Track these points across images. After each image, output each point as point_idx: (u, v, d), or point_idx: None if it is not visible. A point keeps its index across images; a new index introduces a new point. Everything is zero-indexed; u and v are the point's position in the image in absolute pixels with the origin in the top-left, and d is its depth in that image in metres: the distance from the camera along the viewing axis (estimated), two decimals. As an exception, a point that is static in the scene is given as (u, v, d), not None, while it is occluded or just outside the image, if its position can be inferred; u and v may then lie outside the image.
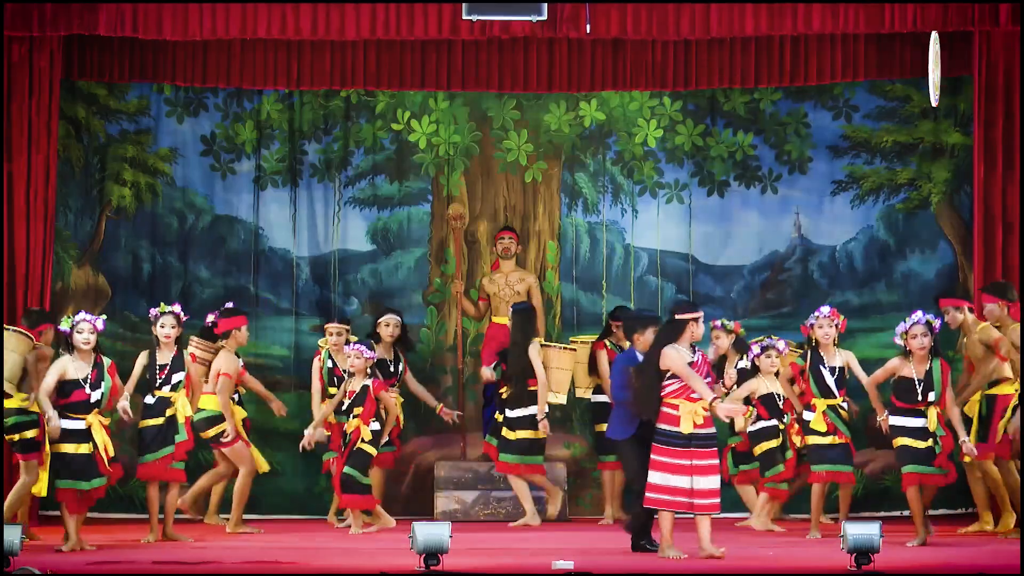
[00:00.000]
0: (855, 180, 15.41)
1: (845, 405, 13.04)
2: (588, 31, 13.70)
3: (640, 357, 11.73)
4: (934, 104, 13.87)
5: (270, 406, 14.12)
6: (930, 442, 12.29)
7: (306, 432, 13.66)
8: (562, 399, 14.22)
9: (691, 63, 15.01)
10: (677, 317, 11.45)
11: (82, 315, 12.41)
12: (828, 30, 13.83)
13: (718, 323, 14.02)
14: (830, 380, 12.94)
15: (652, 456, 11.35)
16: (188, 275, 15.36)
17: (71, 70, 14.61)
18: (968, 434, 12.51)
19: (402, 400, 14.33)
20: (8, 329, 12.50)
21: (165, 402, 12.73)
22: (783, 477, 13.47)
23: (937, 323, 12.40)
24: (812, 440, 12.98)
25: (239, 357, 13.75)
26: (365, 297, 15.45)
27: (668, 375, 11.34)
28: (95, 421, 12.19)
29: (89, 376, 12.23)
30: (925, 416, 12.31)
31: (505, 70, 15.10)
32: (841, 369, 12.98)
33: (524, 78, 15.12)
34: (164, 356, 12.80)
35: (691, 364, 11.31)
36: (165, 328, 12.79)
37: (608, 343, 14.33)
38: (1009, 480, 13.02)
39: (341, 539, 13.10)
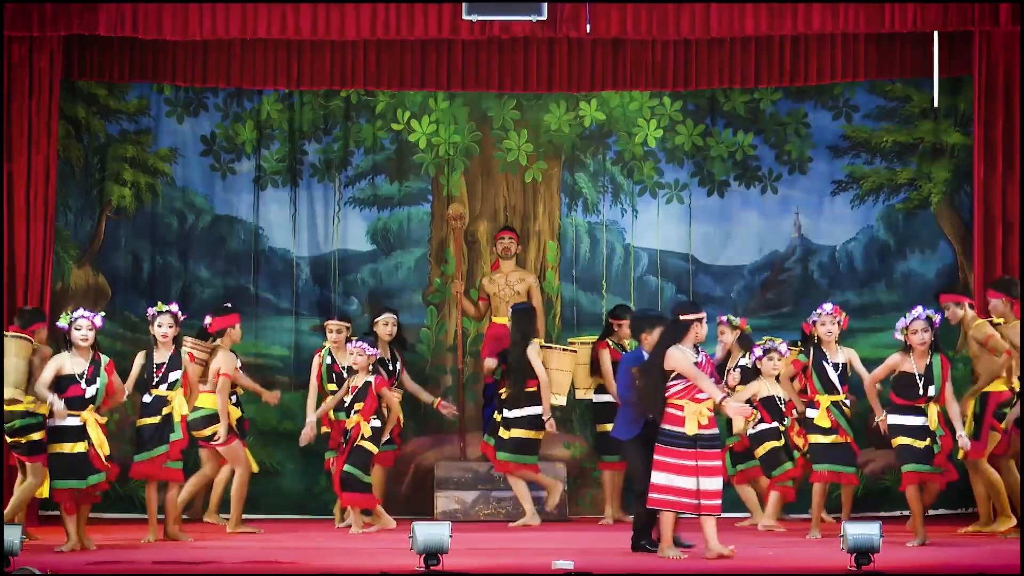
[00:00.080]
0: (855, 180, 15.41)
1: (848, 402, 13.05)
2: (588, 31, 13.69)
3: (647, 357, 11.72)
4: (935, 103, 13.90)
5: (264, 399, 14.12)
6: (928, 441, 12.30)
7: (305, 431, 13.70)
8: (562, 400, 14.22)
9: (691, 63, 15.01)
10: (681, 318, 11.45)
11: (80, 312, 12.41)
12: (828, 30, 13.83)
13: (724, 319, 14.02)
14: (834, 376, 12.96)
15: (656, 456, 11.33)
16: (188, 275, 15.36)
17: (71, 70, 14.61)
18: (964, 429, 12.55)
19: (401, 394, 14.30)
20: (8, 335, 12.48)
21: (162, 401, 12.73)
22: (791, 475, 13.45)
23: (937, 318, 12.42)
24: (815, 439, 12.98)
25: (236, 356, 13.78)
26: (365, 297, 15.45)
27: (672, 375, 11.34)
28: (90, 417, 12.19)
29: (85, 372, 12.24)
30: (925, 414, 12.32)
31: (505, 70, 15.11)
32: (844, 365, 13.01)
33: (524, 78, 15.13)
34: (161, 355, 12.80)
35: (695, 365, 11.31)
36: (162, 327, 12.79)
37: (611, 343, 14.33)
38: (1009, 478, 13.03)
39: (341, 539, 13.10)
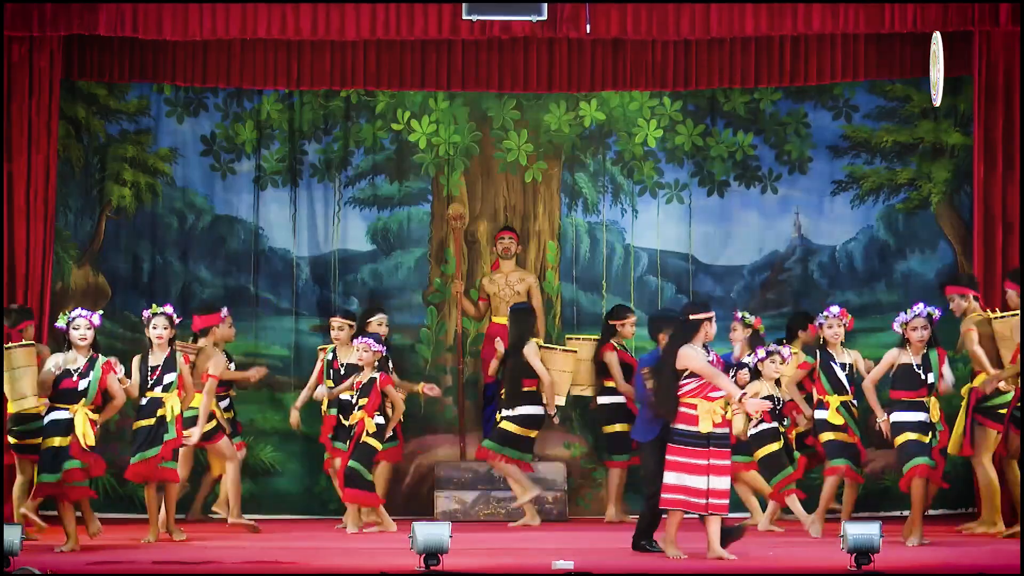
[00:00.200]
0: (855, 180, 15.41)
1: (855, 403, 13.06)
2: (588, 31, 13.70)
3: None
4: (935, 104, 13.89)
5: (251, 378, 14.13)
6: (929, 435, 12.31)
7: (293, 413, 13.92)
8: (561, 401, 14.22)
9: (691, 63, 15.01)
10: (691, 317, 11.45)
11: (78, 311, 12.41)
12: (828, 30, 13.83)
13: (739, 315, 14.02)
14: (842, 376, 13.00)
15: (668, 456, 11.34)
16: (188, 275, 15.36)
17: (71, 70, 14.61)
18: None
19: (405, 394, 14.28)
20: (10, 347, 12.43)
21: (157, 403, 12.70)
22: (793, 478, 13.46)
23: (937, 314, 12.44)
24: (827, 436, 12.99)
25: (230, 358, 13.79)
26: (365, 297, 15.44)
27: (685, 374, 11.34)
28: (80, 411, 12.17)
29: (81, 367, 12.25)
30: (926, 409, 12.32)
31: (505, 70, 15.11)
32: (851, 366, 13.04)
33: (524, 78, 15.13)
34: (156, 357, 12.77)
35: None
36: (157, 329, 12.75)
37: (615, 344, 14.34)
38: (1009, 476, 13.02)
39: (341, 539, 13.10)
